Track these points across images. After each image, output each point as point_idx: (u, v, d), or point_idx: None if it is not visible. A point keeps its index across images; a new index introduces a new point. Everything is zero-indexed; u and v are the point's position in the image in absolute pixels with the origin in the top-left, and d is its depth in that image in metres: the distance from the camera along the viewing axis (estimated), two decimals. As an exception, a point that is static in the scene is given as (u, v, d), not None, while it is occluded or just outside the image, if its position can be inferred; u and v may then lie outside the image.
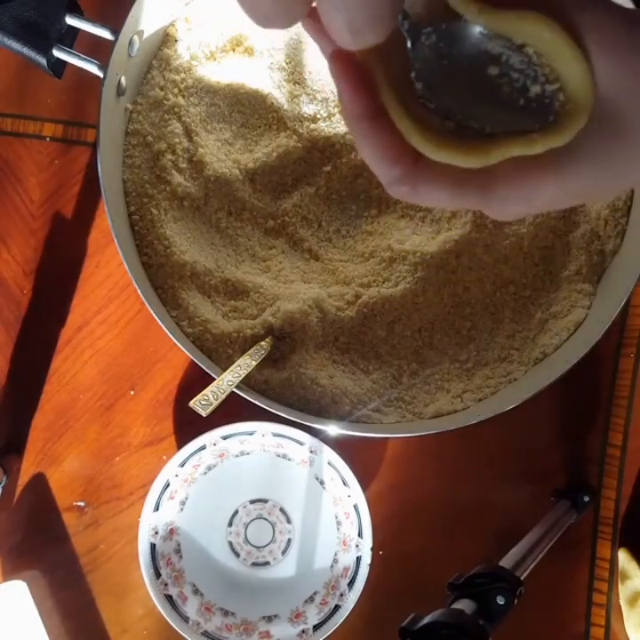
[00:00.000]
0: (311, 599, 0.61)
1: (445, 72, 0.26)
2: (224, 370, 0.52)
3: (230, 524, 0.63)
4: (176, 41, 0.59)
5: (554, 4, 0.25)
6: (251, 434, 0.60)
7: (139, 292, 0.52)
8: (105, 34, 0.52)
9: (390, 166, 0.26)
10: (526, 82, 0.25)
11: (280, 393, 0.55)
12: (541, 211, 0.28)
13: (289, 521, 0.63)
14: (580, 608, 0.64)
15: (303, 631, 0.60)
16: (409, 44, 0.26)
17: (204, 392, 0.49)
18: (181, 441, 0.64)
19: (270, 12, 0.23)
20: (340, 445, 0.60)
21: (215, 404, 0.48)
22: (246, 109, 0.62)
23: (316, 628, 0.59)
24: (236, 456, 0.62)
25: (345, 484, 0.59)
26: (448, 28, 0.26)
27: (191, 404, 0.48)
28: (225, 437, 0.60)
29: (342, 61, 0.26)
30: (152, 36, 0.58)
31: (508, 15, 0.25)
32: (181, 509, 0.62)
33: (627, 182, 0.28)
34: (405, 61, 0.26)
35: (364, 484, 0.59)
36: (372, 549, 0.59)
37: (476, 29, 0.26)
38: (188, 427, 0.64)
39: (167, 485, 0.60)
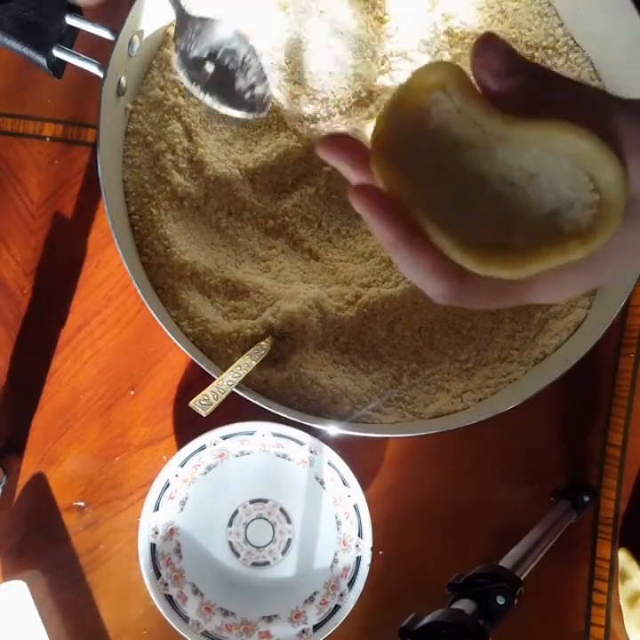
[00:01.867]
0: (311, 599, 0.61)
1: (467, 182, 0.27)
2: (224, 370, 0.52)
3: (230, 524, 0.63)
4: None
5: (575, 107, 0.26)
6: (251, 434, 0.60)
7: (139, 292, 0.52)
8: (105, 34, 0.52)
9: (434, 283, 0.27)
10: (556, 188, 0.26)
11: (280, 393, 0.55)
12: (571, 296, 0.30)
13: (289, 521, 0.63)
14: (579, 608, 0.64)
15: (303, 631, 0.60)
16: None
17: (204, 392, 0.49)
18: (181, 441, 0.64)
19: None
20: (340, 445, 0.60)
21: (215, 404, 0.48)
22: (246, 109, 0.62)
23: (316, 627, 0.59)
24: (236, 456, 0.62)
25: (345, 483, 0.59)
26: (460, 132, 0.27)
27: (191, 403, 0.48)
28: (225, 437, 0.60)
29: (365, 195, 0.26)
30: (152, 35, 0.58)
31: (538, 126, 0.26)
32: (181, 509, 0.62)
33: None
34: (427, 172, 0.27)
35: (364, 484, 0.59)
36: (372, 549, 0.59)
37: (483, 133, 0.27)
38: (188, 427, 0.64)
39: (167, 485, 0.60)
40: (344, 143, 0.28)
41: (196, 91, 0.47)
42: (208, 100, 0.47)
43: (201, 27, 0.45)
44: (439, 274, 0.27)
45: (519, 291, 0.28)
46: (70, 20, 0.52)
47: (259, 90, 0.46)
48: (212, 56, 0.46)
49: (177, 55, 0.44)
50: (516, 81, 0.26)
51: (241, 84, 0.47)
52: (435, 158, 0.27)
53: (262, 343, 0.55)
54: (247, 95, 0.46)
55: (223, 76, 0.45)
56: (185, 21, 0.43)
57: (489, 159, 0.27)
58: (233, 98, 0.46)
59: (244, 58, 0.47)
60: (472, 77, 0.28)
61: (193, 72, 0.45)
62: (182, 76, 0.46)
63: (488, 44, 0.27)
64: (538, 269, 0.26)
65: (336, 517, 0.62)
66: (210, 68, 0.45)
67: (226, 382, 0.50)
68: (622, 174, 0.25)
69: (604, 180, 0.25)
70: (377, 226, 0.26)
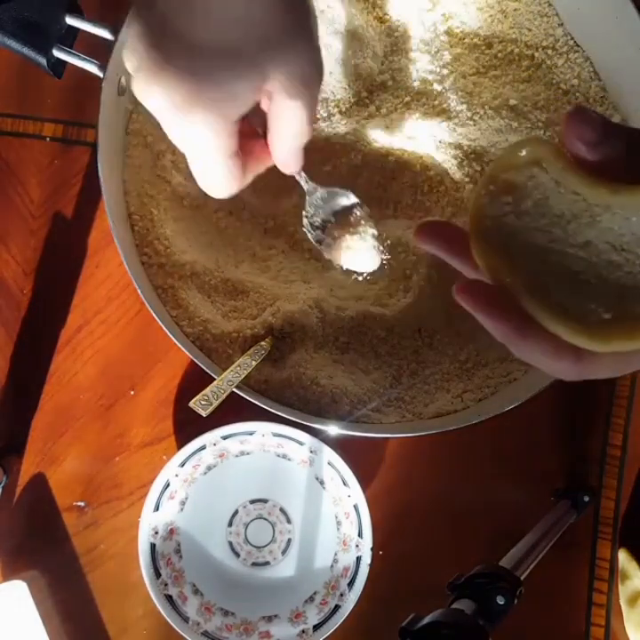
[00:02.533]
0: (311, 599, 0.61)
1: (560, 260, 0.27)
2: (224, 370, 0.52)
3: (230, 524, 0.63)
4: (176, 41, 0.59)
5: None
6: (251, 434, 0.60)
7: (139, 291, 0.52)
8: (105, 34, 0.52)
9: (554, 365, 0.27)
10: None
11: (280, 393, 0.55)
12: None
13: (289, 521, 0.63)
14: (579, 608, 0.64)
15: (303, 631, 0.60)
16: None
17: (204, 392, 0.49)
18: (181, 441, 0.64)
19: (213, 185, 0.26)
20: (340, 445, 0.60)
21: (215, 403, 0.48)
22: (246, 109, 0.62)
23: (315, 627, 0.59)
24: (236, 456, 0.62)
25: (345, 483, 0.59)
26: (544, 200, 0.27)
27: (191, 403, 0.48)
28: (225, 437, 0.60)
29: (471, 294, 0.26)
30: (152, 36, 0.57)
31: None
32: (181, 509, 0.62)
33: None
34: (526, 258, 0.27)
35: (364, 484, 0.59)
36: (372, 549, 0.59)
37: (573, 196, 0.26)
38: (188, 427, 0.64)
39: (167, 485, 0.60)
40: (442, 230, 0.28)
41: (322, 250, 0.51)
42: (333, 257, 0.51)
43: (324, 195, 0.51)
44: (558, 357, 0.27)
45: (636, 361, 0.27)
46: (70, 20, 0.52)
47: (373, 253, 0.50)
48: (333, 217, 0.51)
49: (306, 221, 0.51)
50: (613, 148, 0.26)
51: (359, 244, 0.51)
52: (536, 236, 0.27)
53: (262, 343, 0.55)
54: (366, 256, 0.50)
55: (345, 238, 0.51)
56: (312, 193, 0.50)
57: (594, 228, 0.26)
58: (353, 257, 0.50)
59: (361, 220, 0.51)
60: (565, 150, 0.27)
61: (319, 234, 0.51)
62: (310, 238, 0.51)
63: (579, 116, 0.26)
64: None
65: (336, 517, 0.62)
66: (336, 232, 0.50)
67: (226, 382, 0.50)
68: None
69: None
70: (488, 322, 0.26)
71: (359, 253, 0.50)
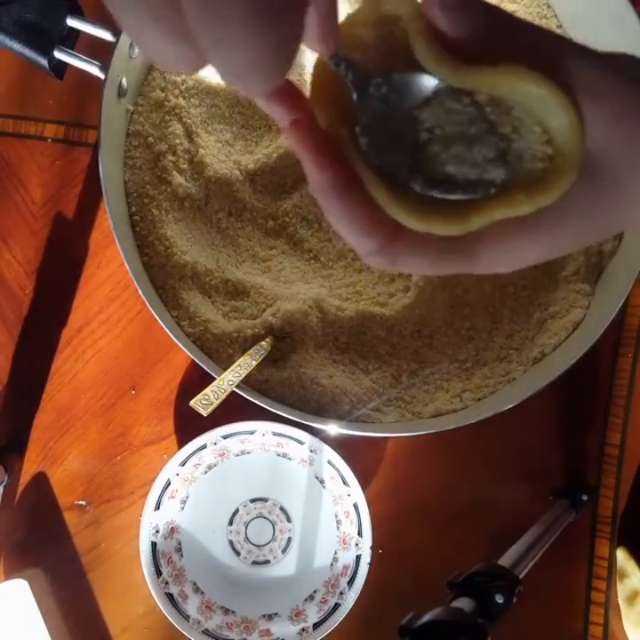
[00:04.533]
0: (311, 597, 0.62)
1: (396, 126, 0.24)
2: (224, 370, 0.52)
3: (231, 523, 0.64)
4: (177, 42, 0.59)
5: (531, 54, 0.23)
6: (251, 433, 0.60)
7: (139, 292, 0.52)
8: (106, 35, 0.52)
9: (366, 239, 0.24)
10: (508, 136, 0.23)
11: (280, 392, 0.55)
12: (527, 265, 0.27)
13: (289, 520, 0.64)
14: (578, 606, 0.64)
15: (303, 629, 0.60)
16: (354, 96, 0.24)
17: (205, 391, 0.49)
18: (182, 440, 0.64)
19: (169, 59, 0.21)
20: (340, 445, 0.60)
21: (216, 403, 0.49)
22: (246, 111, 0.62)
23: (315, 626, 0.60)
24: (237, 455, 0.63)
25: (345, 482, 0.60)
26: (403, 78, 0.24)
27: (192, 403, 0.48)
28: (225, 437, 0.60)
29: (303, 130, 0.24)
30: (153, 37, 0.58)
31: (488, 71, 0.23)
32: (182, 508, 0.62)
33: (609, 233, 0.26)
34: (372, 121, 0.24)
35: (364, 483, 0.60)
36: (372, 548, 0.59)
37: (434, 82, 0.24)
38: (188, 426, 0.64)
39: (168, 484, 0.61)
40: (283, 89, 0.24)
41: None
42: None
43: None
44: (373, 229, 0.24)
45: (464, 253, 0.25)
46: (71, 22, 0.52)
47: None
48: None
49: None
50: (472, 23, 0.23)
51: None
52: (373, 98, 0.24)
53: (262, 343, 0.55)
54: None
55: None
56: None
57: (431, 105, 0.24)
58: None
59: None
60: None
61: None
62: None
63: None
64: (479, 223, 0.23)
65: (336, 516, 0.62)
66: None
67: (226, 382, 0.51)
68: (577, 123, 0.22)
69: (558, 130, 0.23)
70: (311, 166, 0.23)
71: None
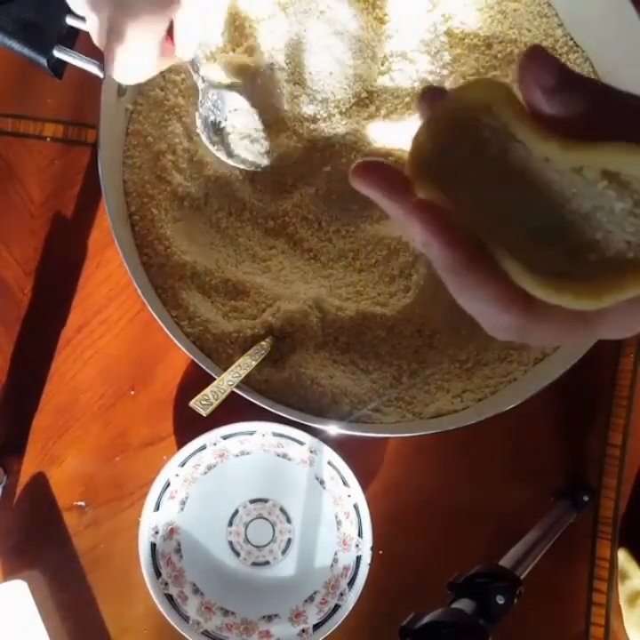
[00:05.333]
0: (311, 599, 0.61)
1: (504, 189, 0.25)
2: (224, 370, 0.52)
3: (230, 524, 0.63)
4: (176, 41, 0.59)
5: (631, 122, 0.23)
6: (251, 434, 0.60)
7: (139, 292, 0.52)
8: (105, 34, 0.52)
9: (500, 313, 0.24)
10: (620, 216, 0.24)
11: (280, 393, 0.55)
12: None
13: (289, 520, 0.63)
14: (579, 607, 0.64)
15: (303, 631, 0.60)
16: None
17: (205, 392, 0.49)
18: (182, 441, 0.64)
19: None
20: (340, 445, 0.60)
21: (215, 403, 0.48)
22: (246, 110, 0.62)
23: (316, 627, 0.60)
24: (237, 456, 0.62)
25: (345, 483, 0.59)
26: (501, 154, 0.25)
27: (191, 403, 0.48)
28: (225, 437, 0.60)
29: (428, 212, 0.23)
30: (152, 36, 0.58)
31: (598, 148, 0.23)
32: (182, 509, 0.62)
33: None
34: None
35: (364, 484, 0.59)
36: (372, 549, 0.59)
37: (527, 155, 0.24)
38: (188, 426, 0.64)
39: (167, 485, 0.60)
40: (379, 169, 0.25)
41: (211, 148, 0.59)
42: (220, 154, 0.60)
43: (217, 97, 0.58)
44: (506, 303, 0.24)
45: (588, 325, 0.25)
46: (71, 21, 0.52)
47: (258, 147, 0.60)
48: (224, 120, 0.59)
49: (200, 120, 0.58)
50: (571, 99, 0.23)
51: (245, 142, 0.60)
52: (481, 184, 0.25)
53: (262, 343, 0.55)
54: (249, 151, 0.60)
55: (233, 137, 0.60)
56: (206, 93, 0.58)
57: (543, 181, 0.24)
58: (238, 153, 0.60)
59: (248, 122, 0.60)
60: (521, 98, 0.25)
61: (211, 134, 0.59)
62: (203, 138, 0.59)
63: (537, 56, 0.24)
64: (612, 301, 0.23)
65: (336, 517, 0.62)
66: (229, 131, 0.59)
67: (226, 382, 0.50)
68: None
69: None
70: (440, 247, 0.23)
71: (249, 153, 0.59)
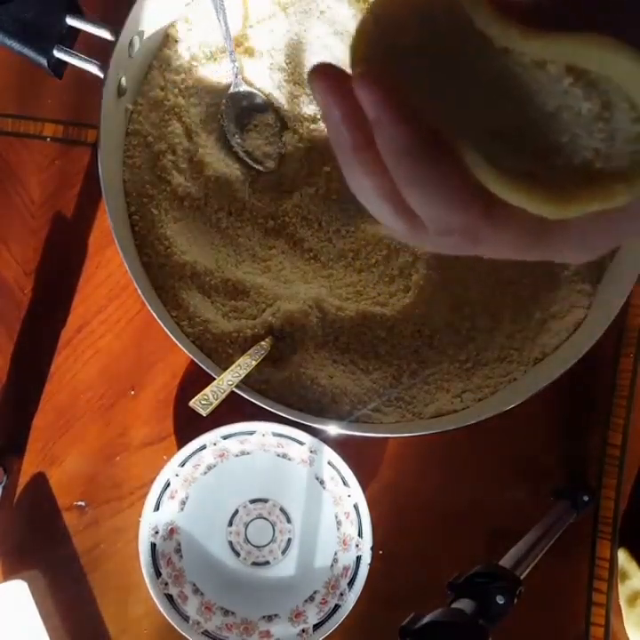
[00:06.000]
0: (311, 599, 0.61)
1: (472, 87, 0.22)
2: (224, 370, 0.52)
3: (230, 524, 0.63)
4: (176, 41, 0.59)
5: (615, 20, 0.21)
6: (251, 433, 0.60)
7: (139, 292, 0.52)
8: (105, 34, 0.52)
9: (460, 213, 0.21)
10: (600, 114, 0.21)
11: (280, 393, 0.55)
12: (597, 256, 0.25)
13: (289, 520, 0.63)
14: (579, 607, 0.64)
15: (303, 630, 0.60)
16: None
17: (204, 392, 0.49)
18: (182, 441, 0.64)
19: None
20: (340, 445, 0.60)
21: (215, 403, 0.48)
22: (246, 110, 0.62)
23: (316, 627, 0.60)
24: (237, 456, 0.62)
25: (345, 483, 0.59)
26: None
27: (191, 403, 0.48)
28: (225, 437, 0.60)
29: (377, 85, 0.20)
30: (152, 36, 0.58)
31: (565, 39, 0.20)
32: (182, 509, 0.62)
33: None
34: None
35: (364, 484, 0.59)
36: (372, 549, 0.59)
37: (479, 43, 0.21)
38: (188, 426, 0.64)
39: (167, 485, 0.60)
40: (331, 70, 0.21)
41: (230, 139, 0.62)
42: (238, 149, 0.62)
43: (247, 103, 0.61)
44: (466, 200, 0.21)
45: (550, 239, 0.22)
46: (71, 21, 0.52)
47: (273, 148, 0.62)
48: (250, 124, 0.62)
49: (231, 125, 0.61)
50: None
51: (260, 142, 0.62)
52: (435, 80, 0.22)
53: (262, 343, 0.55)
54: (262, 151, 0.62)
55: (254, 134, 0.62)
56: (237, 99, 0.61)
57: (504, 84, 0.22)
58: (255, 154, 0.62)
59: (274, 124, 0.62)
60: None
61: (237, 139, 0.61)
62: (235, 146, 0.62)
63: None
64: (579, 211, 0.21)
65: (336, 517, 0.62)
66: (255, 137, 0.62)
67: (226, 382, 0.50)
68: None
69: None
70: (395, 124, 0.20)
71: (261, 153, 0.61)
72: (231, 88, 0.60)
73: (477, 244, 0.22)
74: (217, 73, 0.61)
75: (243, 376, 0.51)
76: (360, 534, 0.60)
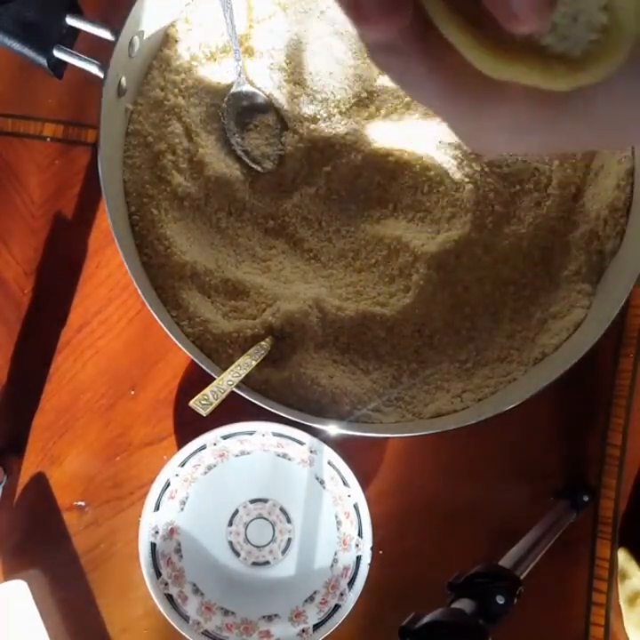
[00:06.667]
0: (311, 598, 0.61)
1: None
2: (224, 370, 0.52)
3: (230, 524, 0.63)
4: (176, 41, 0.59)
5: None
6: (251, 433, 0.60)
7: (139, 292, 0.52)
8: (105, 34, 0.52)
9: (447, 103, 0.21)
10: None
11: (280, 393, 0.55)
12: (532, 151, 0.23)
13: (289, 520, 0.63)
14: (579, 607, 0.64)
15: (303, 630, 0.60)
16: None
17: (204, 392, 0.49)
18: (182, 441, 0.64)
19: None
20: (340, 445, 0.60)
21: (215, 403, 0.48)
22: (246, 110, 0.62)
23: (316, 627, 0.60)
24: (237, 456, 0.62)
25: (345, 483, 0.59)
26: None
27: (191, 403, 0.48)
28: (225, 437, 0.60)
29: None
30: (152, 36, 0.58)
31: None
32: (182, 509, 0.62)
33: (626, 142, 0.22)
34: None
35: (364, 484, 0.59)
36: (372, 549, 0.59)
37: None
38: (188, 426, 0.64)
39: (167, 485, 0.60)
40: None
41: (231, 137, 0.62)
42: (237, 148, 0.62)
43: (248, 103, 0.61)
44: (454, 91, 0.21)
45: (479, 99, 0.21)
46: (71, 21, 0.52)
47: (273, 149, 0.62)
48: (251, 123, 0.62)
49: (231, 124, 0.61)
50: None
51: (259, 142, 0.62)
52: None
53: (262, 343, 0.55)
54: (261, 151, 0.62)
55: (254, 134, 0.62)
56: (239, 98, 0.61)
57: None
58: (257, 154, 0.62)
59: (274, 123, 0.62)
60: None
61: (237, 138, 0.61)
62: (235, 145, 0.62)
63: None
64: (514, 76, 0.20)
65: (336, 517, 0.62)
66: (255, 137, 0.61)
67: (226, 382, 0.50)
68: None
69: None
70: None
71: (260, 153, 0.61)
72: (234, 87, 0.60)
73: (406, 71, 0.21)
74: (217, 73, 0.61)
75: (243, 376, 0.51)
76: (360, 534, 0.60)
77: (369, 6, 0.19)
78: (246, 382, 0.53)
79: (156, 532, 0.61)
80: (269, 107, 0.61)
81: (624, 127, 0.21)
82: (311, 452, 0.60)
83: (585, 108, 0.20)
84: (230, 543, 0.63)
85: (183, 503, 0.62)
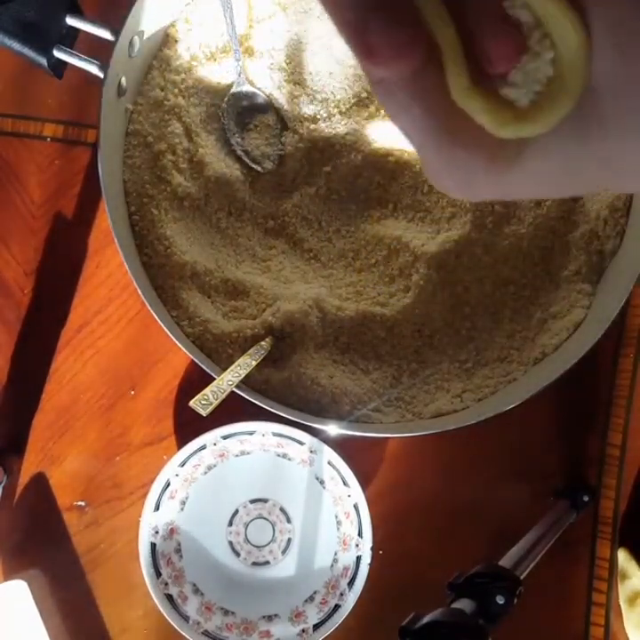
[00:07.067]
0: (311, 598, 0.61)
1: None
2: (224, 370, 0.52)
3: (230, 524, 0.63)
4: (176, 41, 0.59)
5: None
6: (251, 433, 0.60)
7: (139, 292, 0.52)
8: (105, 34, 0.52)
9: (468, 154, 0.21)
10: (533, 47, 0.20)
11: (280, 393, 0.55)
12: (479, 199, 0.23)
13: (289, 520, 0.63)
14: (579, 608, 0.64)
15: (303, 630, 0.60)
16: None
17: (204, 392, 0.49)
18: (182, 441, 0.64)
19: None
20: (340, 445, 0.60)
21: (215, 403, 0.48)
22: (246, 110, 0.62)
23: (316, 627, 0.60)
24: (237, 456, 0.62)
25: (345, 483, 0.59)
26: None
27: (191, 403, 0.48)
28: (225, 437, 0.60)
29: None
30: (152, 36, 0.58)
31: None
32: (182, 509, 0.62)
33: (589, 184, 0.22)
34: None
35: (364, 484, 0.59)
36: (372, 549, 0.59)
37: None
38: (188, 426, 0.64)
39: (167, 485, 0.60)
40: None
41: (231, 137, 0.62)
42: (237, 148, 0.62)
43: (249, 103, 0.61)
44: (475, 145, 0.21)
45: (452, 135, 0.21)
46: (71, 21, 0.52)
47: (273, 149, 0.62)
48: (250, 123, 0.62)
49: (231, 124, 0.62)
50: None
51: (259, 142, 0.62)
52: None
53: (262, 343, 0.55)
54: (261, 151, 0.62)
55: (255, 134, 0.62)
56: (239, 98, 0.61)
57: None
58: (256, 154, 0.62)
59: (274, 124, 0.62)
60: None
61: (237, 138, 0.62)
62: (235, 145, 0.62)
63: None
64: (471, 109, 0.20)
65: (336, 517, 0.62)
66: (255, 137, 0.62)
67: (226, 382, 0.50)
68: (583, 43, 0.19)
69: (564, 49, 0.19)
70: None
71: (260, 153, 0.61)
72: (234, 87, 0.60)
73: (390, 91, 0.21)
74: (217, 73, 0.61)
75: (243, 376, 0.51)
76: (360, 534, 0.60)
77: (379, 43, 0.18)
78: (246, 382, 0.53)
79: (156, 532, 0.61)
80: (269, 107, 0.61)
81: (557, 180, 0.21)
82: (311, 452, 0.60)
83: (531, 163, 0.21)
84: (230, 543, 0.63)
85: (183, 503, 0.62)
